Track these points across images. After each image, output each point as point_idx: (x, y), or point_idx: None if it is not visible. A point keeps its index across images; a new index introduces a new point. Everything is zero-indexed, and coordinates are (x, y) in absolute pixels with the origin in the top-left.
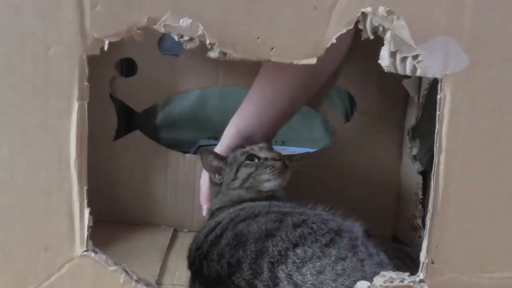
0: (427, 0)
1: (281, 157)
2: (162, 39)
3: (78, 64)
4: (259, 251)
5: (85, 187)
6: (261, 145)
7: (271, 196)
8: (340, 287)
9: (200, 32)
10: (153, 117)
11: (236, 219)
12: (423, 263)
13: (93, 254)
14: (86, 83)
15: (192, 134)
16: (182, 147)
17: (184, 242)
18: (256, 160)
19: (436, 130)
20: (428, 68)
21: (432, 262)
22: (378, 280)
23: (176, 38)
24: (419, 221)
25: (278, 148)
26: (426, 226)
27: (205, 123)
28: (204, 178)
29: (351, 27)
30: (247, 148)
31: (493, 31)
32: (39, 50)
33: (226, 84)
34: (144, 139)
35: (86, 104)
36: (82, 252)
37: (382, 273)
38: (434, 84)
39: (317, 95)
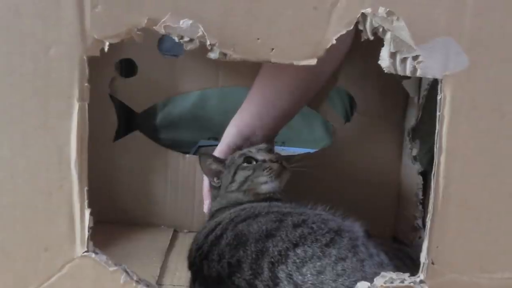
0: (427, 1)
1: (279, 159)
2: (162, 40)
3: (78, 64)
4: (260, 251)
5: (86, 188)
6: (259, 146)
7: (269, 198)
8: (340, 287)
9: (200, 33)
10: (153, 118)
11: (236, 219)
12: (423, 263)
13: (93, 255)
14: (86, 84)
15: (192, 135)
16: (182, 147)
17: (184, 242)
18: (254, 163)
19: (436, 131)
20: (428, 69)
21: (433, 263)
22: (378, 280)
23: (176, 39)
24: (419, 222)
25: (278, 148)
26: (426, 226)
27: (205, 123)
28: (206, 179)
29: (351, 27)
30: (245, 150)
31: (493, 31)
32: (39, 51)
33: (226, 84)
34: (144, 139)
35: (87, 105)
36: (83, 253)
37: (383, 273)
38: (434, 84)
39: (317, 95)
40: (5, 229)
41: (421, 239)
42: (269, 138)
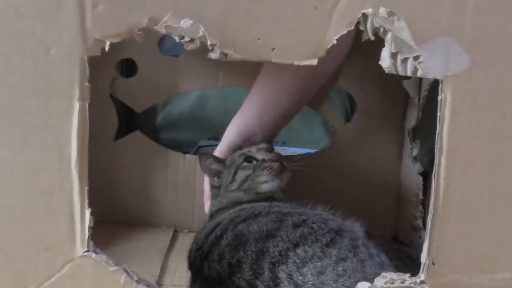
0: (428, 1)
1: (279, 158)
2: (162, 40)
3: (79, 64)
4: (260, 252)
5: (86, 188)
6: (260, 146)
7: (269, 197)
8: (341, 287)
9: (201, 33)
10: (153, 118)
11: (236, 219)
12: (424, 264)
13: (93, 255)
14: (87, 84)
15: (192, 135)
16: (182, 147)
17: (184, 242)
18: (254, 162)
19: (437, 131)
20: (429, 69)
21: (433, 263)
22: (379, 281)
23: (177, 39)
24: (420, 222)
25: (278, 148)
26: (427, 227)
27: (205, 123)
28: (207, 180)
29: (352, 28)
30: (245, 150)
31: (494, 31)
32: (39, 51)
33: (226, 84)
34: (144, 139)
35: (87, 105)
36: (83, 253)
37: (383, 274)
38: (435, 85)
39: (317, 95)
40: (5, 229)
41: (421, 239)
42: (270, 138)
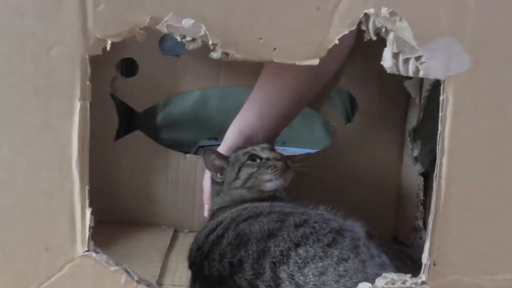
0: (430, 1)
1: (283, 158)
2: (163, 40)
3: (80, 64)
4: (261, 251)
5: (87, 187)
6: (263, 145)
7: (272, 196)
8: None
9: (202, 33)
10: (153, 117)
11: (238, 218)
12: (425, 264)
13: (94, 254)
14: (88, 83)
15: (193, 135)
16: (183, 147)
17: (185, 242)
18: (258, 160)
19: (438, 132)
20: (430, 70)
21: (434, 264)
22: (380, 281)
23: (178, 38)
24: (420, 223)
25: (278, 148)
26: (428, 227)
27: (206, 123)
28: (207, 179)
29: (354, 28)
30: (249, 148)
31: (495, 31)
32: (40, 51)
33: (226, 84)
34: (144, 139)
35: (88, 104)
36: (83, 252)
37: (384, 274)
38: (436, 85)
39: (318, 95)
40: (6, 229)
41: (422, 240)
42: (271, 139)
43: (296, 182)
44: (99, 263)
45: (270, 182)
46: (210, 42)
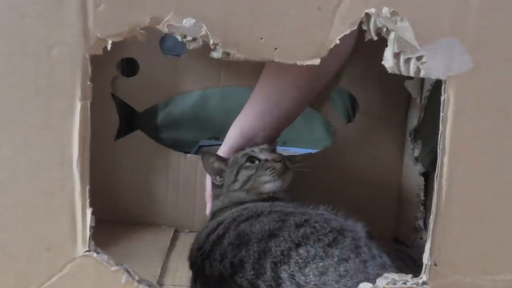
0: (431, 1)
1: (282, 159)
2: (164, 39)
3: (81, 64)
4: (262, 251)
5: (88, 187)
6: (262, 146)
7: (271, 198)
8: None
9: (203, 32)
10: (154, 117)
11: (238, 218)
12: (426, 265)
13: (95, 254)
14: (89, 83)
15: (193, 134)
16: (183, 147)
17: (185, 242)
18: (257, 162)
19: (439, 132)
20: (432, 70)
21: (435, 264)
22: (381, 282)
23: (179, 38)
24: (421, 223)
25: (279, 148)
26: (429, 228)
27: (206, 123)
28: (208, 177)
29: (355, 28)
30: (248, 150)
31: (497, 31)
32: (41, 50)
33: (227, 84)
34: (145, 139)
35: (89, 104)
36: (84, 252)
37: (385, 275)
38: (436, 85)
39: (319, 96)
40: (7, 229)
41: (422, 240)
42: (272, 139)
43: (297, 182)
44: (100, 263)
45: (269, 183)
46: (211, 42)
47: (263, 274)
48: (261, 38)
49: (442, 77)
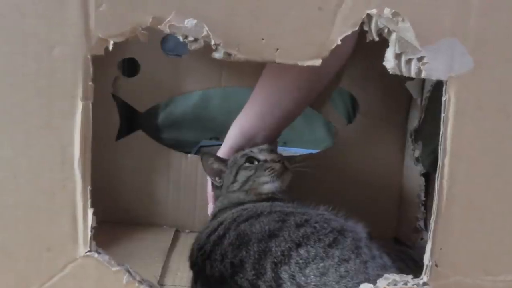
0: (432, 2)
1: (281, 159)
2: (165, 39)
3: (82, 64)
4: (262, 252)
5: (89, 187)
6: (262, 147)
7: (270, 198)
8: None
9: (205, 33)
10: (155, 117)
11: (238, 219)
12: (427, 265)
13: (96, 255)
14: (90, 83)
15: (194, 135)
16: (184, 147)
17: (186, 242)
18: (256, 163)
19: (440, 132)
20: (433, 70)
21: (436, 265)
22: (381, 282)
23: (180, 38)
24: (421, 223)
25: (279, 149)
26: (430, 228)
27: (207, 123)
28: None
29: (356, 28)
30: (247, 151)
31: (498, 31)
32: (42, 51)
33: (228, 84)
34: (146, 139)
35: (90, 104)
36: (85, 253)
37: (386, 275)
38: (437, 86)
39: (319, 96)
40: (8, 229)
41: (423, 240)
42: (272, 139)
43: (297, 182)
44: (101, 263)
45: (267, 184)
46: (213, 42)
47: (263, 275)
48: (263, 39)
49: (443, 78)
